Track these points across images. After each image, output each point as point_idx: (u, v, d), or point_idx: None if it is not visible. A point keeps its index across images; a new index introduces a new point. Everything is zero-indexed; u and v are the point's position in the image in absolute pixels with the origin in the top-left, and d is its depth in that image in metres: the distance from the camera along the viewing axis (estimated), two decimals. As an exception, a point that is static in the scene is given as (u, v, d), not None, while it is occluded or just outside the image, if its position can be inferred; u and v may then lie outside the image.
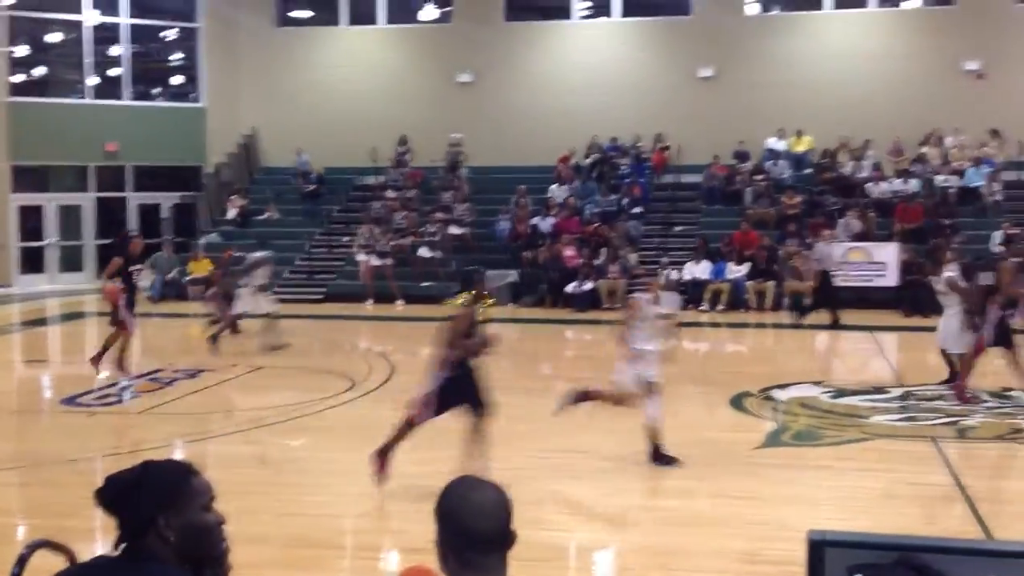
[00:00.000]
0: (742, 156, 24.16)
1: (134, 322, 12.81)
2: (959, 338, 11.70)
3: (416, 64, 26.93)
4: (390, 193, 24.72)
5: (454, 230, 23.29)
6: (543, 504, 7.54)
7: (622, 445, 9.15)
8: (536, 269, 21.72)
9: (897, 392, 12.19)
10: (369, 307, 21.60)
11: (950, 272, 11.89)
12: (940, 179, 22.28)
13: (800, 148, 24.21)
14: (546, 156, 24.68)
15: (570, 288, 20.88)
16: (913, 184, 22.27)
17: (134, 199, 27.13)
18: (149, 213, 26.87)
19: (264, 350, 15.10)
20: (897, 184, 22.36)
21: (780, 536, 6.78)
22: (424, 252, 22.64)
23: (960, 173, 22.39)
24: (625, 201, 23.49)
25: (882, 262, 20.05)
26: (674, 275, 19.76)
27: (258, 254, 16.22)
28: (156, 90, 28.44)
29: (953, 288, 11.74)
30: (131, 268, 12.68)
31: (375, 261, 22.29)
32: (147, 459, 2.63)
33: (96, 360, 12.85)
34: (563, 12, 26.61)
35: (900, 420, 10.78)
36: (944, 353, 12.22)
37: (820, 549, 4.68)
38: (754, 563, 6.51)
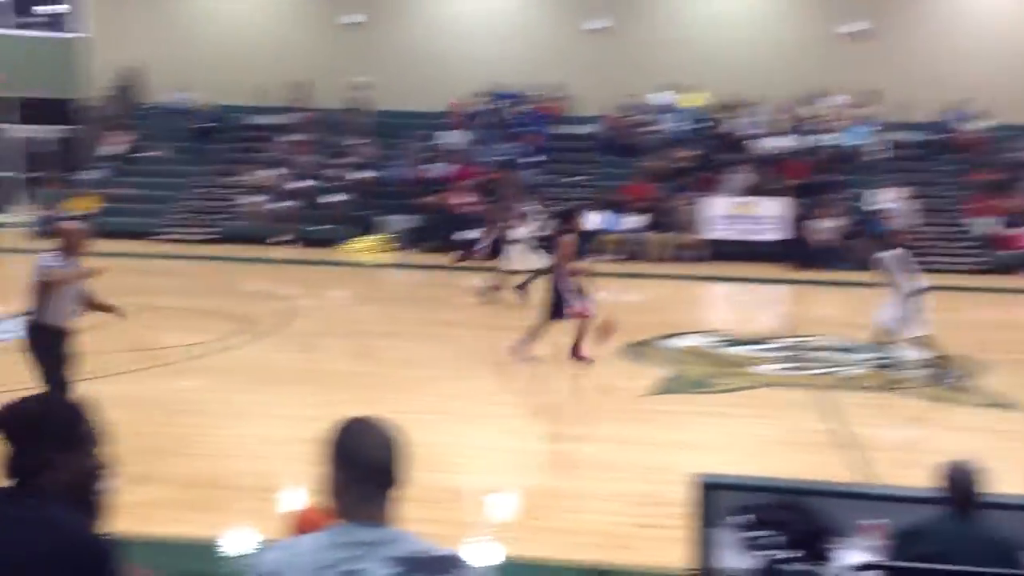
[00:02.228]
0: (637, 109, 24.39)
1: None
2: None
3: (310, 1, 26.39)
4: (288, 135, 24.28)
5: (356, 174, 23.05)
6: (441, 447, 7.63)
7: (520, 391, 9.30)
8: (433, 215, 21.68)
9: (783, 342, 12.62)
10: (272, 249, 21.30)
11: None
12: (825, 137, 22.91)
13: (692, 104, 24.55)
14: (441, 101, 24.49)
15: (464, 236, 20.84)
16: (798, 141, 22.85)
17: (18, 131, 26.11)
18: (35, 146, 25.90)
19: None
20: (785, 141, 22.92)
21: (672, 480, 6.99)
22: (327, 196, 22.39)
23: (844, 131, 23.05)
24: (523, 150, 23.55)
25: (770, 216, 20.59)
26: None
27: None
28: (36, 19, 27.26)
29: None
30: None
31: (274, 203, 21.95)
32: (45, 394, 2.65)
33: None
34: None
35: (784, 369, 11.20)
36: None
37: (708, 491, 4.92)
38: (648, 504, 6.72)
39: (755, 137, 23.06)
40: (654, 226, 20.98)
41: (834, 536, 4.69)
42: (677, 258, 20.49)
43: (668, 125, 23.93)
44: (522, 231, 15.86)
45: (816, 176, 21.69)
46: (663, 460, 7.67)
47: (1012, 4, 23.81)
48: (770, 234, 20.57)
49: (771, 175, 21.94)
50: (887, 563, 3.83)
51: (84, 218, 18.85)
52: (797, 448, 8.28)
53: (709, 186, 21.59)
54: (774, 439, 8.51)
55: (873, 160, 22.31)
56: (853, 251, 19.58)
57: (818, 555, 4.54)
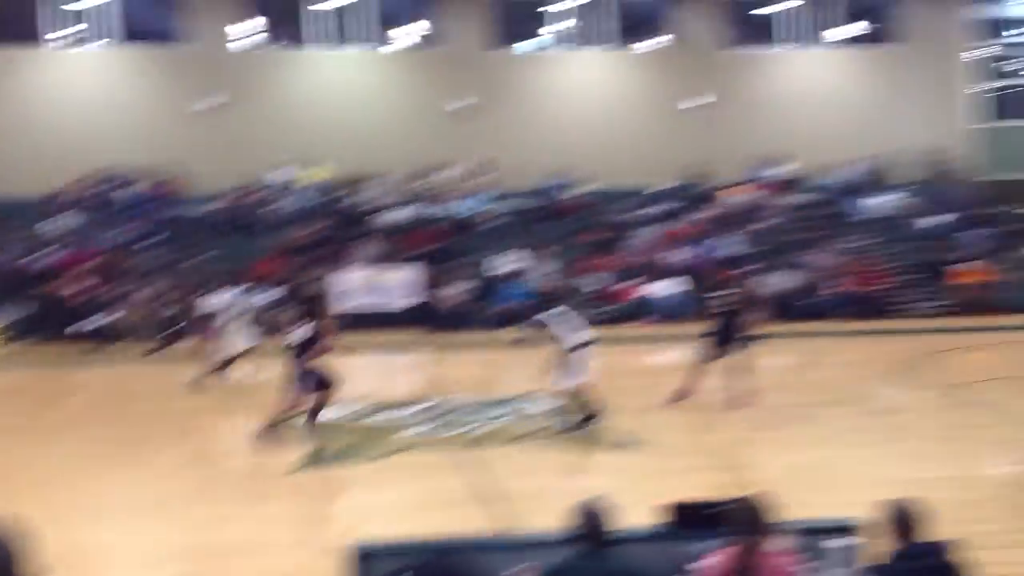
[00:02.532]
0: (258, 186, 24.16)
1: None
2: None
3: None
4: None
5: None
6: (71, 550, 7.05)
7: (150, 482, 8.83)
8: (45, 305, 20.12)
9: (426, 405, 12.91)
10: None
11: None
12: (445, 207, 23.90)
13: (315, 179, 24.71)
14: (46, 185, 22.80)
15: (83, 325, 19.51)
16: (421, 211, 23.65)
17: None
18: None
19: None
20: (409, 211, 23.63)
21: (323, 553, 6.92)
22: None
23: (464, 199, 24.18)
24: (139, 232, 22.56)
25: (401, 285, 21.11)
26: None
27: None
28: None
29: None
30: None
31: None
32: None
33: None
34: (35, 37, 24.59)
35: (429, 431, 11.45)
36: None
37: (361, 560, 4.93)
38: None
39: (380, 209, 23.57)
40: (288, 300, 20.66)
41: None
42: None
43: (289, 201, 23.88)
44: (230, 309, 15.04)
45: (439, 244, 22.50)
46: (312, 534, 7.56)
47: (598, 81, 26.12)
48: (401, 301, 21.04)
49: (398, 245, 22.50)
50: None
51: None
52: (443, 507, 8.45)
53: (338, 259, 21.76)
54: (421, 502, 8.65)
55: (490, 227, 23.51)
56: (477, 314, 20.52)
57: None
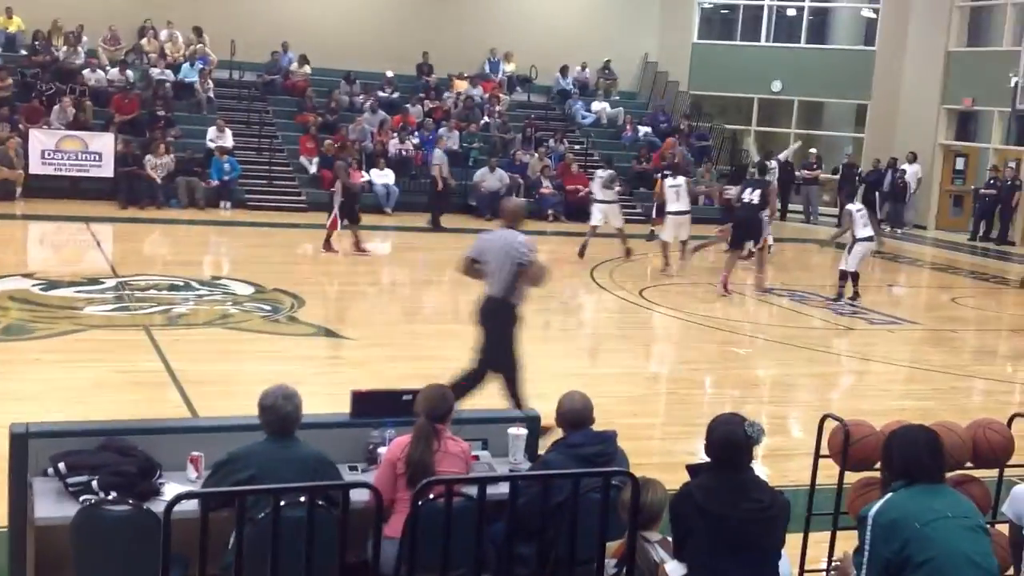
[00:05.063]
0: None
1: None
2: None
3: None
4: None
5: None
6: None
7: None
8: None
9: (112, 282, 12.24)
10: None
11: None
12: (156, 72, 22.44)
13: (10, 28, 22.51)
14: None
15: None
16: (130, 75, 22.13)
17: None
18: None
19: None
20: (113, 74, 22.04)
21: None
22: None
23: (176, 68, 22.79)
24: None
25: (98, 152, 19.70)
26: None
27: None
28: None
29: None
30: None
31: None
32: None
33: None
34: None
35: (114, 310, 10.90)
36: None
37: (22, 441, 4.63)
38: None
39: (81, 68, 21.81)
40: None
41: (159, 472, 4.70)
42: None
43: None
44: None
45: (146, 111, 21.17)
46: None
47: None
48: (98, 171, 19.68)
49: (98, 109, 20.96)
50: (200, 491, 3.90)
51: None
52: (125, 389, 8.14)
53: (31, 118, 20.04)
54: (100, 382, 8.27)
55: (204, 98, 22.34)
56: (183, 189, 19.59)
57: (144, 493, 4.52)
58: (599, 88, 26.42)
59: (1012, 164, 22.69)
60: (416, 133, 22.73)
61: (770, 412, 7.53)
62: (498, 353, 7.29)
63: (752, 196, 14.25)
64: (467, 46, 25.17)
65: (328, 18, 24.33)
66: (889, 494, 3.80)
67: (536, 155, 22.75)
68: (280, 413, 4.45)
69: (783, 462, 7.09)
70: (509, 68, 25.93)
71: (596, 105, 25.82)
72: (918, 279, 18.66)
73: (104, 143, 19.80)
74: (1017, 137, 23.50)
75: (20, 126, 19.55)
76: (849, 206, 14.55)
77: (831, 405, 8.51)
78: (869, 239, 13.87)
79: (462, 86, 24.87)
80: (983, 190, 22.80)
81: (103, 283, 12.17)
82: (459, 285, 14.97)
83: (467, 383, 7.19)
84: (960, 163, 24.92)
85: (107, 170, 19.59)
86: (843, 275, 14.00)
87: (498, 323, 7.31)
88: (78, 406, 7.38)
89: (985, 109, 23.65)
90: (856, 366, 11.39)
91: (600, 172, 17.34)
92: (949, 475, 4.29)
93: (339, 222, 15.29)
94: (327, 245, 15.40)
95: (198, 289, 12.26)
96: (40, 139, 19.38)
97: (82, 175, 19.50)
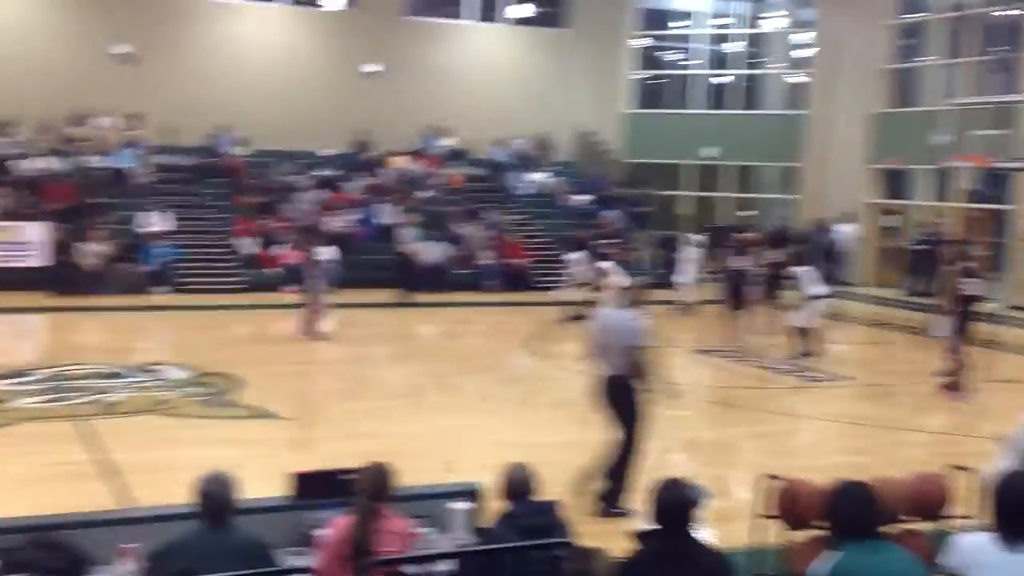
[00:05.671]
0: None
1: None
2: None
3: None
4: None
5: None
6: None
7: None
8: None
9: (44, 373, 11.95)
10: None
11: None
12: (92, 160, 22.26)
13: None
14: None
15: None
16: (62, 163, 21.93)
17: None
18: None
19: None
20: (45, 162, 21.81)
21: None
22: None
23: (110, 154, 22.60)
24: None
25: (32, 241, 19.41)
26: None
27: None
28: None
29: None
30: None
31: None
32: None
33: None
34: None
35: (45, 401, 10.63)
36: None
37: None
38: None
39: (14, 158, 21.57)
40: None
41: (92, 566, 4.54)
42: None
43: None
44: None
45: (81, 199, 20.94)
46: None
47: (275, 38, 25.31)
48: (30, 260, 19.36)
49: (32, 198, 20.70)
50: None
51: None
52: (58, 482, 7.90)
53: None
54: (33, 476, 8.04)
55: (140, 183, 22.17)
56: (118, 276, 19.37)
57: (75, 590, 4.36)
58: (536, 159, 26.71)
59: (939, 220, 23.20)
60: (356, 209, 22.75)
61: (711, 474, 7.52)
62: (628, 428, 7.54)
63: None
64: (404, 122, 25.33)
65: (265, 99, 24.39)
66: (839, 553, 3.80)
67: (474, 227, 22.85)
68: (215, 499, 4.36)
69: (724, 524, 7.06)
70: (446, 142, 26.14)
71: (533, 176, 26.07)
72: (853, 336, 18.89)
73: (38, 232, 19.52)
74: (941, 193, 24.09)
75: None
76: (797, 268, 14.94)
77: (768, 464, 8.53)
78: (819, 297, 14.31)
79: (399, 162, 24.99)
80: (914, 247, 23.26)
81: (33, 375, 11.87)
82: (399, 360, 15.01)
83: (620, 464, 7.46)
84: (893, 221, 25.43)
85: (42, 259, 19.28)
86: (797, 332, 14.29)
87: (621, 401, 7.54)
88: (5, 501, 7.15)
89: (913, 168, 24.25)
90: (791, 424, 11.44)
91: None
92: (892, 530, 4.29)
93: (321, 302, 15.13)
94: (312, 330, 15.14)
95: (133, 376, 12.02)
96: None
97: (13, 265, 19.14)
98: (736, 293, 15.77)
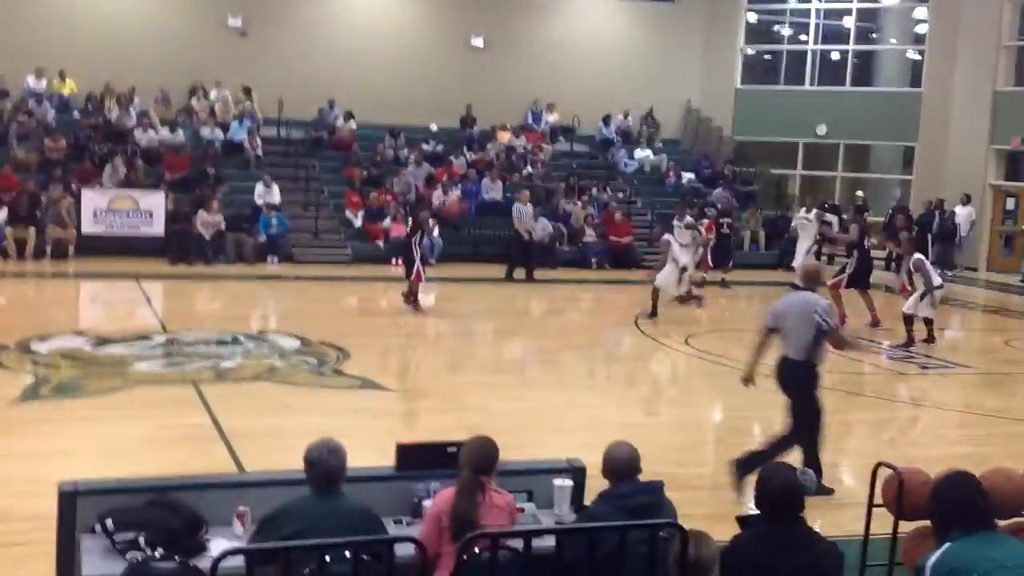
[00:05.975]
0: (1, 94, 22.30)
1: None
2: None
3: None
4: None
5: None
6: None
7: None
8: None
9: (161, 339, 12.36)
10: None
11: None
12: (206, 131, 22.86)
13: (64, 91, 23.09)
14: None
15: None
16: (180, 135, 22.57)
17: None
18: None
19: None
20: (164, 134, 22.47)
21: (36, 492, 6.52)
22: None
23: (225, 127, 23.19)
24: None
25: (149, 211, 20.05)
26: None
27: None
28: None
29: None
30: None
31: None
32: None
33: None
34: None
35: (163, 366, 10.99)
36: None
37: (71, 499, 4.66)
38: (8, 521, 6.21)
39: (134, 128, 22.28)
40: (17, 220, 19.23)
41: (205, 528, 4.69)
42: (44, 255, 18.97)
43: (40, 112, 22.18)
44: None
45: (197, 170, 21.53)
46: (26, 472, 7.13)
47: (382, 12, 25.56)
48: (148, 229, 20.00)
49: (150, 168, 21.37)
50: (246, 547, 3.89)
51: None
52: (173, 445, 8.17)
53: (85, 178, 20.45)
54: (149, 438, 8.31)
55: (253, 155, 22.69)
56: (232, 245, 19.87)
57: (191, 549, 4.51)
58: (642, 136, 26.48)
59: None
60: (459, 185, 22.89)
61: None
62: (807, 415, 7.37)
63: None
64: (510, 97, 25.37)
65: (372, 74, 24.66)
66: (946, 544, 3.71)
67: (579, 204, 22.79)
68: (325, 467, 4.44)
69: (835, 512, 6.94)
70: (552, 118, 26.08)
71: (639, 153, 25.86)
72: (971, 322, 18.33)
73: (155, 201, 20.14)
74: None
75: (73, 187, 19.95)
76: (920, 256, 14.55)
77: (884, 452, 8.34)
78: (940, 286, 14.06)
79: (505, 137, 25.04)
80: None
81: (152, 339, 12.29)
82: (503, 336, 15.10)
83: (779, 447, 7.27)
84: (1011, 203, 24.57)
85: (158, 228, 19.90)
86: (916, 319, 13.94)
87: (803, 385, 7.39)
88: (126, 463, 7.42)
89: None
90: (909, 412, 11.17)
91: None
92: (1006, 523, 4.17)
93: (423, 274, 15.30)
94: (414, 300, 15.34)
95: (245, 344, 12.34)
96: (92, 199, 19.75)
97: (133, 233, 19.80)
98: (866, 275, 15.60)
